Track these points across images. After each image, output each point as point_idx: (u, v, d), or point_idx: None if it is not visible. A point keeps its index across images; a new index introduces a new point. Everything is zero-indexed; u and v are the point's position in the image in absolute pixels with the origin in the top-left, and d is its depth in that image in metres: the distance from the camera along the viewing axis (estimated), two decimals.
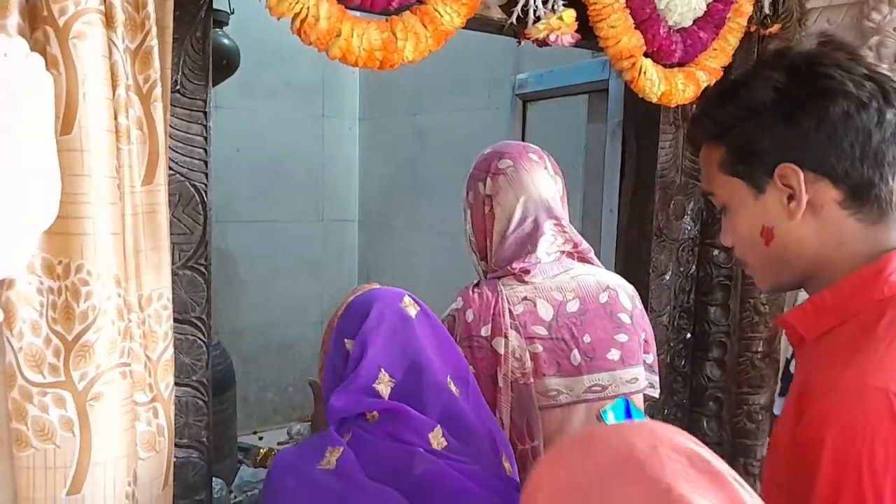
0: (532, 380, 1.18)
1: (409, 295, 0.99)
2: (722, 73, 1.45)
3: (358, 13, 1.03)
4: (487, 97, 2.96)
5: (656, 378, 1.33)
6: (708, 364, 1.75)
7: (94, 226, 0.78)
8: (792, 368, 0.87)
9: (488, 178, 1.26)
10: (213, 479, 2.31)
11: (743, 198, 0.81)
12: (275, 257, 3.78)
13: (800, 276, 0.82)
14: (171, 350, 0.93)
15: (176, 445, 1.11)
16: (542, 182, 1.27)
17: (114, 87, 0.83)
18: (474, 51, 2.79)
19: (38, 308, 0.77)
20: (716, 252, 1.72)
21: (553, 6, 1.21)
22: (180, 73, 1.07)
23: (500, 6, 1.27)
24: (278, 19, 0.97)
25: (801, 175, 0.76)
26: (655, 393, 1.34)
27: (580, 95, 2.05)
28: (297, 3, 0.95)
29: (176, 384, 1.10)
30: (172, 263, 1.08)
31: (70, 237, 0.77)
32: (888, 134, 0.75)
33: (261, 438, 3.60)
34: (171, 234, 1.08)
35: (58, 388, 0.78)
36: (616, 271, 1.71)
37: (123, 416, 0.83)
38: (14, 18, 0.76)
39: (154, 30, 0.88)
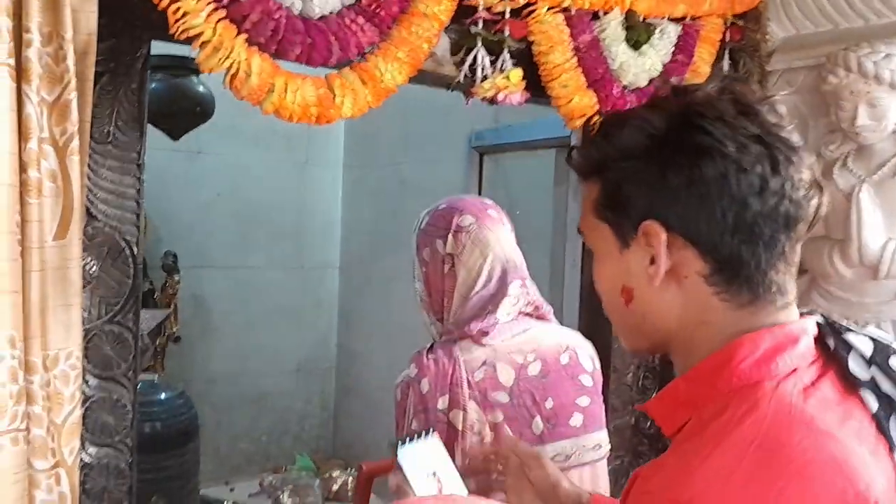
0: None
1: None
2: None
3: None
4: (465, 148, 2.96)
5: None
6: None
7: None
8: None
9: (449, 236, 1.19)
10: None
11: (609, 248, 0.71)
12: (251, 304, 3.72)
13: (659, 346, 0.73)
14: (78, 412, 0.89)
15: None
16: (506, 239, 1.22)
17: (25, 140, 0.80)
18: (457, 100, 2.82)
19: None
20: None
21: (502, 65, 1.21)
22: (113, 125, 1.05)
23: (454, 63, 1.27)
24: (209, 73, 0.96)
25: (664, 237, 0.66)
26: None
27: (547, 150, 2.04)
28: (226, 58, 0.93)
29: (97, 444, 1.05)
30: (98, 318, 1.05)
31: None
32: (769, 208, 0.64)
33: (232, 490, 3.49)
34: (98, 287, 1.05)
35: None
36: (580, 328, 1.67)
37: (15, 486, 0.78)
38: None
39: (73, 82, 0.86)
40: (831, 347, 0.65)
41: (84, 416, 1.03)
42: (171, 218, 3.49)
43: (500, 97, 1.20)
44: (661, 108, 0.68)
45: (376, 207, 3.71)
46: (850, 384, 0.63)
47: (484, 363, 1.13)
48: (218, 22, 0.93)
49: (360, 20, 1.04)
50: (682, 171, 0.64)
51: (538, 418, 1.14)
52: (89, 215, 1.04)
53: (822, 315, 0.69)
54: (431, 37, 1.11)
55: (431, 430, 1.05)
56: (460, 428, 1.10)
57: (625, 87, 1.35)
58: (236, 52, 0.94)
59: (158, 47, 1.09)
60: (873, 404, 0.62)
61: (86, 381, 1.03)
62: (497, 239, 1.21)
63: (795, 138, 0.66)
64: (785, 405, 0.59)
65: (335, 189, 3.96)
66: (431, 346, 1.18)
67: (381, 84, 1.06)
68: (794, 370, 0.62)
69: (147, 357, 3.25)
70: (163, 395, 2.73)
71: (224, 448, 3.67)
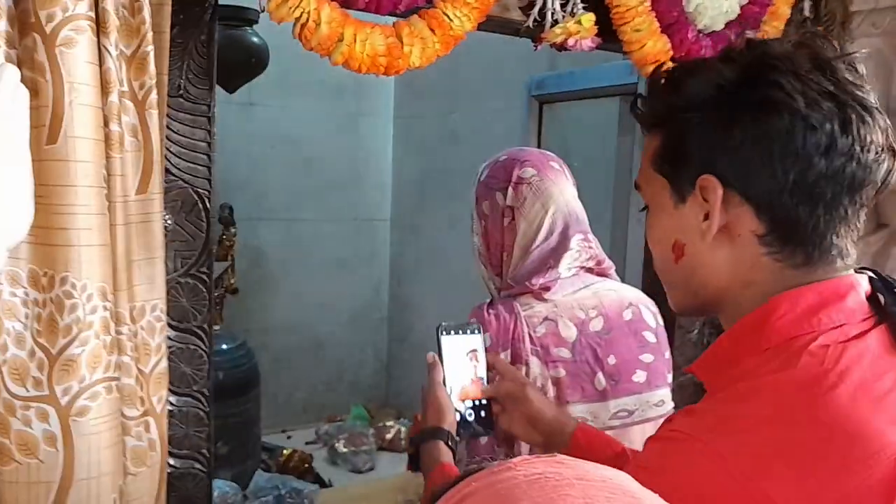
0: None
1: None
2: None
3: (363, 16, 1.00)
4: (524, 97, 2.90)
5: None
6: None
7: (79, 237, 0.76)
8: None
9: (510, 188, 1.17)
10: (228, 483, 2.31)
11: (664, 202, 0.70)
12: (306, 255, 3.78)
13: (706, 305, 0.72)
14: (164, 362, 0.91)
15: (176, 456, 1.10)
16: (568, 192, 1.20)
17: (106, 93, 0.81)
18: (511, 48, 2.75)
19: (24, 320, 0.76)
20: None
21: (572, 9, 1.16)
22: (184, 78, 1.05)
23: (520, 8, 1.22)
24: (279, 24, 0.94)
25: (720, 192, 0.65)
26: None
27: (611, 98, 1.98)
28: (297, 7, 0.91)
29: (176, 394, 1.09)
30: (174, 271, 1.07)
31: (55, 248, 0.76)
32: (833, 169, 0.61)
33: (289, 437, 3.60)
34: (173, 241, 1.07)
35: (41, 403, 0.76)
36: (643, 285, 1.64)
37: (109, 432, 0.81)
38: (1, 25, 0.74)
39: (150, 35, 0.86)
40: (882, 303, 0.63)
41: None
42: (227, 170, 3.53)
43: (570, 42, 1.16)
44: (733, 59, 0.67)
45: (426, 159, 3.68)
46: None
47: (546, 318, 1.11)
48: None
49: None
50: (748, 125, 0.63)
51: (600, 374, 1.12)
52: (163, 169, 1.05)
53: (875, 271, 0.67)
54: None
55: (481, 328, 1.05)
56: None
57: (700, 31, 1.29)
58: (306, 1, 0.92)
59: None
60: None
61: None
62: (560, 191, 1.18)
63: (872, 99, 0.64)
64: (819, 357, 0.59)
65: (386, 141, 3.94)
66: (491, 301, 1.18)
67: (449, 31, 1.03)
68: (840, 326, 0.61)
69: None
70: (224, 346, 2.80)
71: (282, 397, 3.78)
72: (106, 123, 0.81)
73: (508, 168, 1.20)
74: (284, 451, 3.15)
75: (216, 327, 2.94)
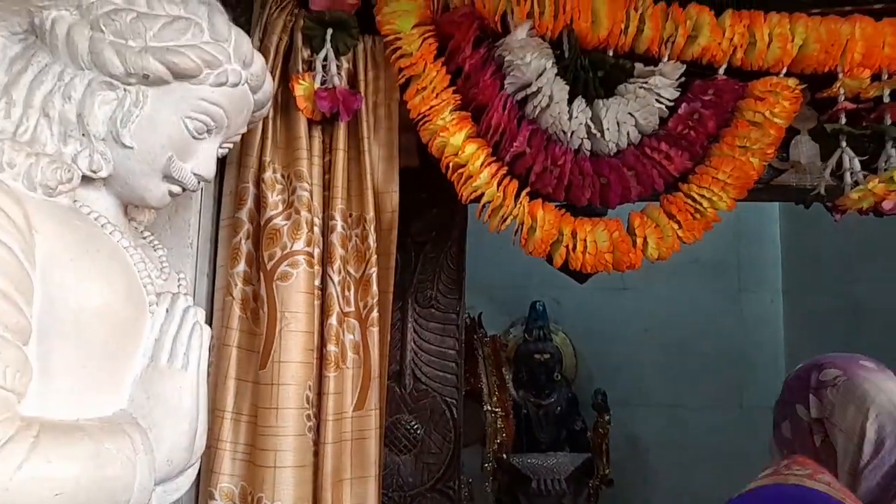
0: None
1: None
2: None
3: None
4: None
5: None
6: None
7: (276, 458, 0.79)
8: None
9: (810, 396, 0.99)
10: None
11: None
12: (688, 446, 3.45)
13: None
14: None
15: None
16: (893, 387, 0.95)
17: (326, 316, 0.87)
18: None
19: None
20: None
21: (886, 163, 0.89)
22: (435, 289, 1.08)
23: (825, 171, 0.99)
24: (497, 232, 0.92)
25: None
26: None
27: None
28: (509, 215, 0.88)
29: None
30: (421, 484, 1.05)
31: (256, 468, 0.80)
32: None
33: None
34: (421, 452, 1.06)
35: None
36: None
37: None
38: (241, 266, 0.86)
39: (374, 258, 0.91)
40: None
41: None
42: (599, 356, 3.53)
43: (886, 206, 0.88)
44: None
45: (824, 337, 3.13)
46: None
47: None
48: (500, 181, 0.89)
49: (664, 147, 0.88)
50: None
51: None
52: (414, 378, 1.07)
53: None
54: (765, 147, 0.89)
55: None
56: None
57: None
58: (518, 208, 0.88)
59: None
60: None
61: None
62: (878, 388, 0.96)
63: None
64: None
65: (775, 318, 3.51)
66: None
67: (695, 215, 0.87)
68: None
69: (579, 502, 3.25)
70: None
71: None
72: (324, 344, 0.86)
73: (804, 375, 1.03)
74: None
75: None
